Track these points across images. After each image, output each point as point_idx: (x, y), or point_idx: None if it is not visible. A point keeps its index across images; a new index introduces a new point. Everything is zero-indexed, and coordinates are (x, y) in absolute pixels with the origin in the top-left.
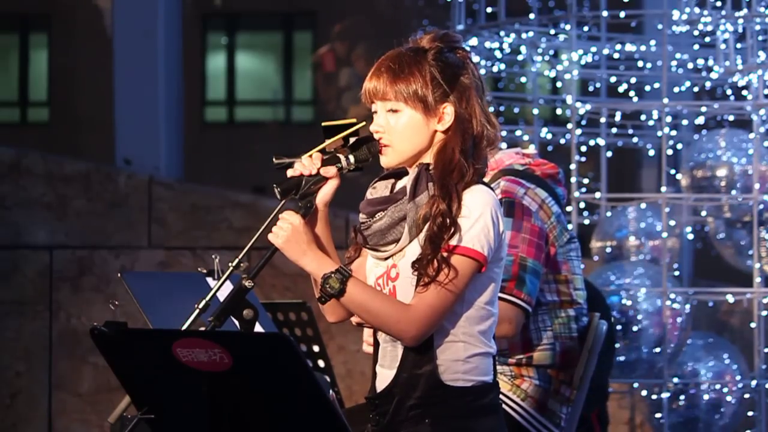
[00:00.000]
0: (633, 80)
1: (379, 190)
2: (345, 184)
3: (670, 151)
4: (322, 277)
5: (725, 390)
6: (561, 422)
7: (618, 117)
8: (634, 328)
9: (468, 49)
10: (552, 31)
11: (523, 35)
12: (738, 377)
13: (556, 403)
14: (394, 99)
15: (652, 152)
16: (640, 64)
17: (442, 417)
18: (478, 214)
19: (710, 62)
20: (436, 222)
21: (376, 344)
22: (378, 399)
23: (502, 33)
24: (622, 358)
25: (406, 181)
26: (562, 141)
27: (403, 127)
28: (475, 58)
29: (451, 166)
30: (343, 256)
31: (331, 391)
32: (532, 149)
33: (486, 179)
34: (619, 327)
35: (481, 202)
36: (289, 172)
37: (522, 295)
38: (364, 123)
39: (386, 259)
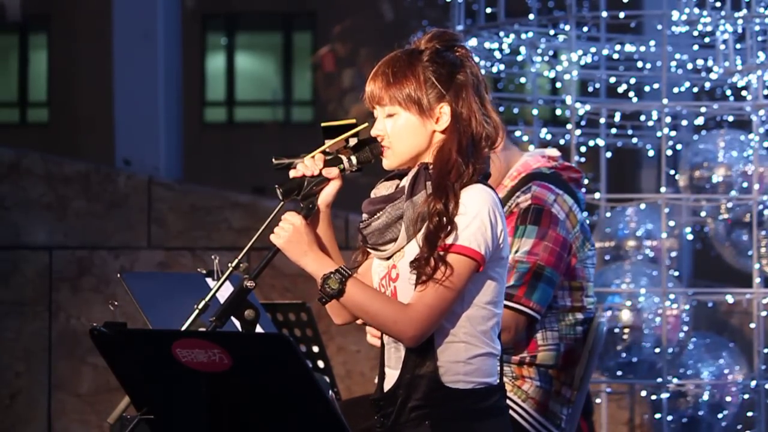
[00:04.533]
0: (632, 81)
1: (383, 189)
2: (345, 185)
3: (669, 152)
4: (322, 278)
5: (724, 391)
6: (561, 423)
7: (617, 117)
8: (634, 329)
9: (467, 47)
10: (551, 32)
11: (523, 36)
12: (737, 377)
13: (557, 404)
14: (389, 103)
15: (651, 153)
16: (639, 64)
17: (442, 419)
18: (474, 212)
19: (710, 63)
20: (433, 221)
21: (382, 345)
22: (383, 400)
23: (501, 33)
24: (621, 359)
25: (405, 181)
26: (562, 141)
27: (400, 129)
28: (475, 59)
29: (449, 166)
30: (349, 257)
31: (330, 392)
32: (555, 152)
33: (513, 182)
34: (619, 328)
35: (478, 201)
36: (292, 173)
37: (531, 304)
38: (366, 124)
39: (387, 259)
